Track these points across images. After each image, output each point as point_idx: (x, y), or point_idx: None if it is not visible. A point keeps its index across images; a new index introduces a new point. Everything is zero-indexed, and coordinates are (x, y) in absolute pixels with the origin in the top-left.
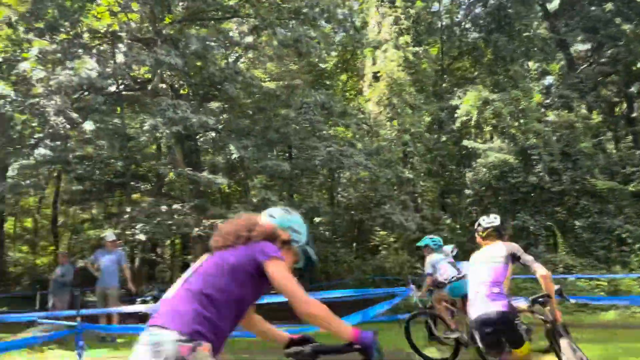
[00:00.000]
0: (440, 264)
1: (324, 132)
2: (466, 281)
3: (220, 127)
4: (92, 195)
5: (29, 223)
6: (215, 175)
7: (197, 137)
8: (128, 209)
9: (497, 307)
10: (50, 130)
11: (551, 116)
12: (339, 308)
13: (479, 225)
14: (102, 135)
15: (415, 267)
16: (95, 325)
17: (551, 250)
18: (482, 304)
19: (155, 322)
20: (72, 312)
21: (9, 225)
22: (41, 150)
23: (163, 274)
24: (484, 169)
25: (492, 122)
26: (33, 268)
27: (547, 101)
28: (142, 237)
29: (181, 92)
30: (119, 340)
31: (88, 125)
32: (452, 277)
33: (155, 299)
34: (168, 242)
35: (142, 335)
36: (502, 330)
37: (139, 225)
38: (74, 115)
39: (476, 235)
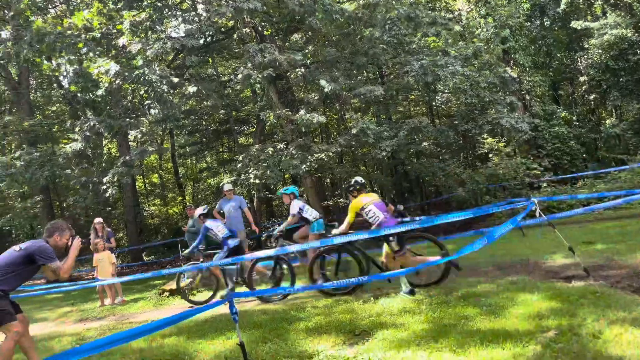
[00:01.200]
0: (306, 207)
1: (414, 45)
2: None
3: (308, 61)
4: (203, 145)
5: (155, 179)
6: (312, 114)
7: (287, 73)
8: (240, 157)
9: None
10: (156, 95)
11: None
12: (458, 229)
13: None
14: (204, 95)
15: (532, 169)
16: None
17: None
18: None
19: None
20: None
21: (139, 183)
22: (152, 111)
23: (280, 207)
24: (599, 50)
25: None
26: (167, 218)
27: None
28: (257, 180)
29: (265, 32)
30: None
31: (191, 89)
32: (318, 217)
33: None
34: None
35: None
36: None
37: (251, 170)
38: (175, 79)
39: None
